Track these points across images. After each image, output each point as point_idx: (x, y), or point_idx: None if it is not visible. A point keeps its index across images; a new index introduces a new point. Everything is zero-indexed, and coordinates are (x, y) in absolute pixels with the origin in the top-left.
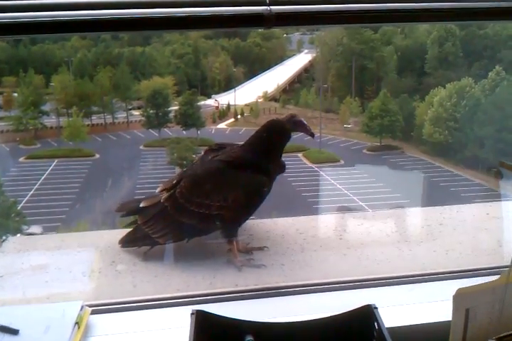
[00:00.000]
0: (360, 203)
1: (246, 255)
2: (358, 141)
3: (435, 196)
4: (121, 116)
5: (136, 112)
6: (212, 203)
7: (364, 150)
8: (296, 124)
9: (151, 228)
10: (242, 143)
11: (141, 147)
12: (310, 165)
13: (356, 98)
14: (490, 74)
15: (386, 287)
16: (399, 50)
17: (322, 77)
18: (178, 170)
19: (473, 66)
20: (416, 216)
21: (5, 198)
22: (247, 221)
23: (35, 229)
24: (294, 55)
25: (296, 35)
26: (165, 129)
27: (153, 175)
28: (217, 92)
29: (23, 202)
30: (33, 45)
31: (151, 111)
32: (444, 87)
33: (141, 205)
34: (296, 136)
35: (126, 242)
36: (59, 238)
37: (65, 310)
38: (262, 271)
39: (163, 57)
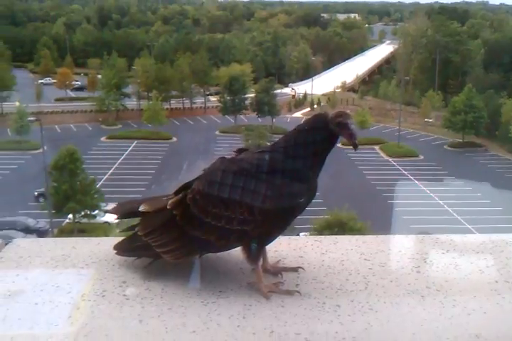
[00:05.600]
0: (438, 200)
1: (274, 277)
2: (438, 136)
3: None
4: (199, 101)
5: (213, 98)
6: (234, 216)
7: (445, 146)
8: (340, 126)
9: (155, 240)
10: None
11: (217, 132)
12: (386, 158)
13: (439, 92)
14: None
15: None
16: (486, 44)
17: (404, 68)
18: None
19: None
20: None
21: (85, 176)
22: (298, 239)
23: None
24: (375, 45)
25: (378, 25)
26: (241, 116)
27: None
28: (295, 81)
29: (103, 180)
30: (117, 29)
31: (228, 98)
32: None
33: (141, 209)
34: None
35: (122, 250)
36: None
37: None
38: (309, 314)
39: (242, 44)
